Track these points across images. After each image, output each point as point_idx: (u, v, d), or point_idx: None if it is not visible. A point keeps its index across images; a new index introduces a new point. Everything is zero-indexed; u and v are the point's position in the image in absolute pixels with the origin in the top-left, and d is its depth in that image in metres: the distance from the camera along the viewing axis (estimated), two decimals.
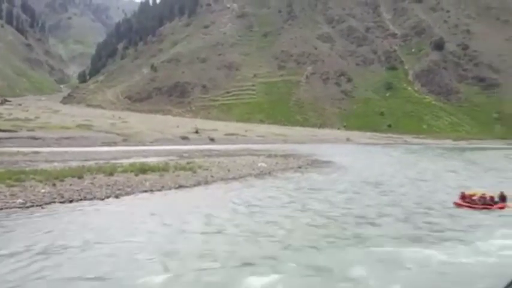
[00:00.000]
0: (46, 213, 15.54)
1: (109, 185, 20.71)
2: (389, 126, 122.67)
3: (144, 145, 56.19)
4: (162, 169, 26.22)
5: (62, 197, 17.86)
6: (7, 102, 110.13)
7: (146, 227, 14.16)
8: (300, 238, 13.07)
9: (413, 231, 14.13)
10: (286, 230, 14.05)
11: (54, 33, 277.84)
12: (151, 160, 33.98)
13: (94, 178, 22.05)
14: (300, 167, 35.14)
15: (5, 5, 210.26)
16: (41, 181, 19.95)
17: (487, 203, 18.02)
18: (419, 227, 14.77)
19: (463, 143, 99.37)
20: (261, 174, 29.24)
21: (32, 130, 54.78)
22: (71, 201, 17.53)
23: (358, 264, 10.57)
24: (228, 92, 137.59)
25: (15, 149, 39.58)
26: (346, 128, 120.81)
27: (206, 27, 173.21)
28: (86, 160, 33.21)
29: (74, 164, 29.10)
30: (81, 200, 17.96)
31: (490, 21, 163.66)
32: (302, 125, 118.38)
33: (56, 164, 29.67)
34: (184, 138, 67.10)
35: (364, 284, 9.54)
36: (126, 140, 58.73)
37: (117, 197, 19.05)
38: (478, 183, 26.34)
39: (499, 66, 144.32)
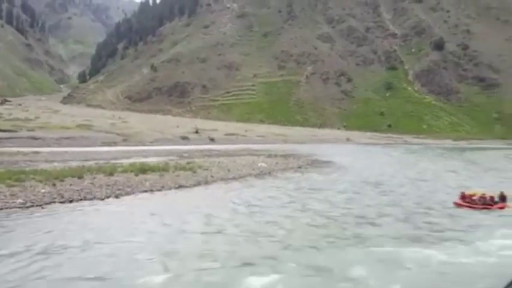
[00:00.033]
0: (46, 213, 15.55)
1: (109, 185, 20.71)
2: (389, 126, 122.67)
3: (144, 145, 56.20)
4: (162, 169, 26.22)
5: (62, 197, 17.86)
6: (7, 102, 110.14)
7: (146, 227, 14.17)
8: (300, 238, 13.07)
9: (413, 231, 14.14)
10: (286, 230, 14.06)
11: (54, 33, 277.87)
12: (151, 160, 33.98)
13: (94, 178, 22.05)
14: (300, 167, 35.15)
15: (5, 5, 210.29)
16: (41, 181, 19.95)
17: (487, 203, 18.03)
18: (419, 227, 14.77)
19: (463, 143, 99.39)
20: (261, 174, 29.24)
21: (32, 130, 54.78)
22: (71, 201, 17.53)
23: (358, 264, 10.57)
24: (228, 92, 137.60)
25: (15, 149, 39.59)
26: (346, 128, 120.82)
27: (206, 27, 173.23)
28: (86, 160, 33.21)
29: (74, 164, 29.10)
30: (81, 200, 17.97)
31: (490, 21, 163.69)
32: (302, 125, 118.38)
33: (56, 164, 29.67)
34: (184, 138, 67.11)
35: (364, 284, 9.54)
36: (126, 140, 58.74)
37: (117, 197, 19.05)
38: (478, 183, 26.34)
39: (499, 66, 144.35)
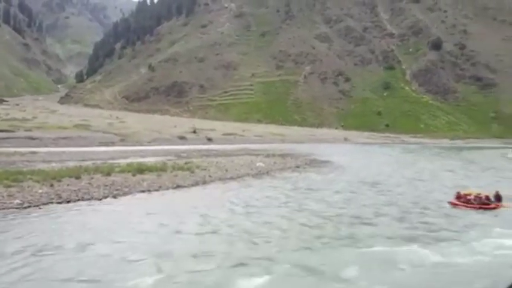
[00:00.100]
0: (43, 214, 15.55)
1: (106, 185, 20.71)
2: (387, 125, 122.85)
3: (141, 145, 56.13)
4: (160, 169, 26.22)
5: (60, 198, 17.85)
6: (4, 102, 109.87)
7: (143, 228, 14.19)
8: (295, 239, 13.12)
9: (408, 231, 14.20)
10: (282, 230, 14.11)
11: (52, 32, 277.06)
12: (149, 160, 33.96)
13: (91, 178, 22.04)
14: (297, 167, 35.20)
15: (2, 5, 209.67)
16: (38, 181, 19.93)
17: (482, 203, 18.10)
18: (415, 227, 14.84)
19: (460, 142, 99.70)
20: (258, 174, 29.28)
21: (30, 130, 54.64)
22: (68, 202, 17.53)
23: (352, 264, 10.62)
24: (225, 92, 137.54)
25: (12, 149, 39.49)
26: (344, 127, 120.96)
27: (204, 26, 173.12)
28: (83, 160, 33.16)
29: (71, 164, 29.06)
30: (78, 200, 17.97)
31: (487, 21, 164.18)
32: (300, 125, 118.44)
33: (53, 164, 29.63)
34: (182, 138, 67.06)
35: (357, 284, 9.58)
36: (123, 140, 58.65)
37: (114, 197, 19.06)
38: (475, 182, 26.47)
39: (495, 66, 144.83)
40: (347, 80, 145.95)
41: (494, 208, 17.93)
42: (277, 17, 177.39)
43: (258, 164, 33.50)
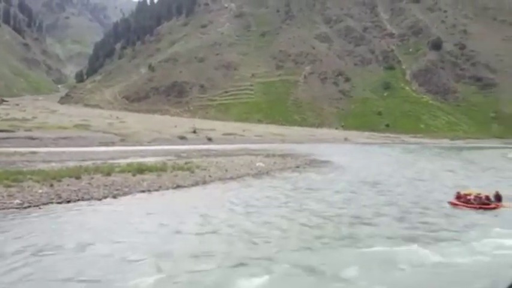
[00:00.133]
0: (43, 214, 15.55)
1: (106, 185, 20.72)
2: (387, 125, 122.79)
3: (141, 145, 56.12)
4: (160, 169, 26.22)
5: (60, 198, 17.86)
6: (4, 102, 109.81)
7: (143, 228, 14.19)
8: (296, 239, 13.13)
9: (409, 231, 14.20)
10: (282, 230, 14.11)
11: (52, 32, 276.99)
12: (149, 160, 33.96)
13: (91, 178, 22.05)
14: (298, 167, 35.20)
15: (2, 5, 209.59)
16: (38, 181, 19.94)
17: (482, 203, 18.08)
18: (415, 227, 14.84)
19: (460, 143, 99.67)
20: (259, 174, 29.29)
21: (30, 130, 54.64)
22: (68, 202, 17.53)
23: (352, 264, 10.62)
24: (226, 92, 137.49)
25: (12, 149, 39.49)
26: (344, 127, 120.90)
27: (204, 26, 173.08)
28: (83, 160, 33.16)
29: (71, 164, 29.05)
30: (78, 200, 17.97)
31: (487, 21, 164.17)
32: (300, 125, 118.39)
33: (53, 164, 29.63)
34: (182, 138, 67.05)
35: (358, 284, 9.57)
36: (123, 140, 58.64)
37: (114, 197, 19.06)
38: (475, 182, 26.47)
39: (496, 66, 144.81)
40: (347, 80, 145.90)
41: (494, 208, 17.93)
42: (277, 17, 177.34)
43: (258, 164, 33.50)
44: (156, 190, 21.17)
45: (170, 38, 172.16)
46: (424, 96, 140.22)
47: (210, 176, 26.02)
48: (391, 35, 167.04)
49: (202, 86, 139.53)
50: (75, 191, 19.14)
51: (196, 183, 23.69)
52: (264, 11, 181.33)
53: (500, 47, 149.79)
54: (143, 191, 20.65)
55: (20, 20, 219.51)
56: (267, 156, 42.30)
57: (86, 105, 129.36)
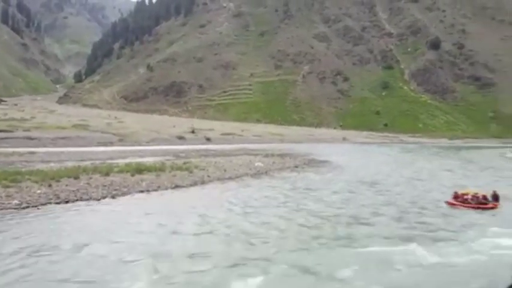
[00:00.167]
0: (41, 214, 15.54)
1: (105, 186, 20.70)
2: (386, 125, 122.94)
3: (140, 145, 56.07)
4: (159, 169, 26.21)
5: (58, 198, 17.84)
6: (2, 102, 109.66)
7: (141, 228, 14.19)
8: (293, 239, 13.14)
9: (406, 231, 14.23)
10: (280, 230, 14.12)
11: (50, 32, 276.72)
12: (148, 160, 33.94)
13: (90, 178, 22.03)
14: (296, 167, 35.21)
15: (0, 5, 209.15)
16: (36, 182, 19.91)
17: (479, 202, 18.10)
18: (413, 227, 14.86)
19: (458, 142, 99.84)
20: (257, 174, 29.28)
21: (28, 130, 54.53)
22: (66, 202, 17.51)
23: (350, 264, 10.64)
24: (224, 92, 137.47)
25: (10, 150, 39.40)
26: (343, 127, 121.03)
27: (202, 26, 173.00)
28: (82, 160, 33.13)
29: (70, 164, 29.02)
30: (77, 200, 17.95)
31: (485, 20, 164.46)
32: (299, 125, 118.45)
33: (52, 164, 29.60)
34: (181, 138, 67.02)
35: (355, 285, 9.59)
36: (122, 140, 58.59)
37: (113, 197, 19.05)
38: (474, 182, 26.54)
39: (494, 65, 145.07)
40: (345, 79, 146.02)
41: (491, 208, 17.95)
42: (275, 16, 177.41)
43: (256, 164, 33.51)
44: (155, 190, 21.16)
45: (169, 38, 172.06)
46: (422, 95, 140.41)
47: (208, 176, 26.02)
48: (390, 35, 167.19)
49: (200, 86, 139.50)
50: (73, 191, 19.12)
51: (194, 183, 23.68)
52: (263, 10, 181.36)
53: (498, 46, 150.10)
54: (142, 191, 20.64)
55: (19, 20, 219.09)
56: (266, 156, 42.31)
57: (85, 105, 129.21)
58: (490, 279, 9.89)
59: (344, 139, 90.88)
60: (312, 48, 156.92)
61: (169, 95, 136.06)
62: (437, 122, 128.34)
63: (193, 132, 73.20)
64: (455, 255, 11.56)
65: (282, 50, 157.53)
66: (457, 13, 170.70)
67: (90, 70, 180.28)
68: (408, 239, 13.11)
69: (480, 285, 9.71)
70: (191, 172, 26.49)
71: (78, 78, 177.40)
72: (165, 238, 13.03)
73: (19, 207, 16.14)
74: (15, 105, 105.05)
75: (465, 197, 18.52)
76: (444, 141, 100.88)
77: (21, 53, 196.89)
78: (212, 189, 22.84)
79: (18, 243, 12.05)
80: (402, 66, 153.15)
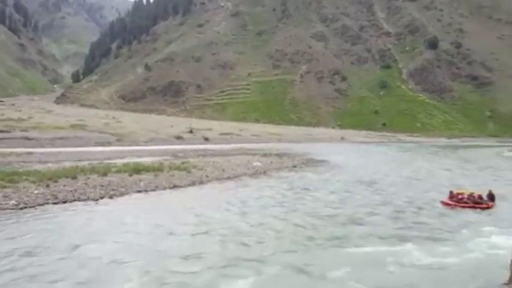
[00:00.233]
0: (39, 215, 15.53)
1: (103, 186, 20.70)
2: (384, 124, 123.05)
3: (138, 145, 56.02)
4: (157, 169, 26.21)
5: (56, 198, 17.83)
6: (0, 103, 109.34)
7: (138, 229, 14.20)
8: (290, 239, 13.15)
9: (403, 231, 14.24)
10: (276, 230, 14.12)
11: (48, 32, 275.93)
12: (146, 160, 33.94)
13: (88, 179, 22.03)
14: (294, 166, 35.24)
15: None
16: (34, 182, 19.90)
17: (475, 202, 18.10)
18: (409, 227, 14.89)
19: (456, 141, 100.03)
20: (255, 174, 29.30)
21: (25, 130, 54.40)
22: (64, 202, 17.51)
23: (345, 265, 10.65)
24: (222, 91, 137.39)
25: (8, 150, 39.30)
26: (341, 126, 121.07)
27: (200, 26, 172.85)
28: (79, 160, 33.12)
29: (67, 164, 29.00)
30: (74, 200, 17.95)
31: (482, 19, 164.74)
32: (297, 124, 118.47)
33: (49, 164, 29.57)
34: (179, 138, 66.97)
35: (350, 285, 9.59)
36: (120, 140, 58.52)
37: (111, 197, 19.05)
38: (472, 181, 26.64)
39: (491, 64, 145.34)
40: (343, 79, 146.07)
41: (487, 207, 17.95)
42: (273, 15, 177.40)
43: (254, 164, 33.53)
44: (153, 190, 21.16)
45: (166, 38, 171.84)
46: (420, 95, 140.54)
47: (206, 176, 26.04)
48: (388, 34, 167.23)
49: (198, 86, 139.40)
50: (71, 191, 19.11)
51: (193, 183, 23.69)
52: (260, 9, 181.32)
53: (495, 45, 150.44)
54: (140, 191, 20.64)
55: (16, 19, 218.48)
56: (264, 155, 42.34)
57: (82, 105, 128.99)
58: (486, 279, 9.91)
59: (342, 138, 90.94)
60: (310, 47, 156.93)
61: (167, 94, 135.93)
62: (435, 121, 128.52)
63: (191, 132, 73.15)
64: (451, 255, 11.58)
65: (279, 49, 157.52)
66: (455, 12, 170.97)
67: (88, 70, 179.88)
68: (404, 239, 13.14)
69: (476, 286, 9.72)
70: (189, 172, 26.50)
71: (76, 78, 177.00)
72: (161, 239, 13.04)
73: (16, 208, 16.13)
74: (13, 105, 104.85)
75: (460, 196, 18.51)
76: (442, 141, 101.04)
77: (18, 53, 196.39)
78: (210, 189, 22.84)
79: (13, 243, 12.05)
80: (400, 66, 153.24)
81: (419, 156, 53.64)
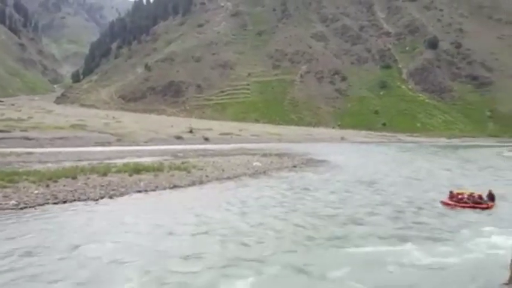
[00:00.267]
0: (39, 215, 15.52)
1: (103, 186, 20.69)
2: (384, 124, 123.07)
3: (138, 145, 56.02)
4: (157, 169, 26.21)
5: (56, 198, 17.82)
6: (0, 102, 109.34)
7: (138, 229, 14.18)
8: (289, 240, 13.13)
9: (403, 231, 14.22)
10: (276, 231, 14.10)
11: (48, 32, 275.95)
12: (146, 160, 33.93)
13: (88, 179, 22.02)
14: (294, 166, 35.23)
15: None
16: (34, 182, 19.89)
17: (475, 202, 18.07)
18: (409, 227, 14.87)
19: (456, 141, 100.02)
20: (255, 174, 29.29)
21: (25, 130, 54.40)
22: (64, 202, 17.50)
23: (344, 265, 10.63)
24: (222, 91, 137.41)
25: (8, 150, 39.30)
26: (341, 126, 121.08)
27: (200, 26, 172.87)
28: (79, 160, 33.12)
29: (67, 164, 28.98)
30: (74, 200, 17.94)
31: (482, 19, 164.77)
32: (297, 124, 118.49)
33: (49, 164, 29.56)
34: (179, 138, 66.97)
35: (349, 285, 9.58)
36: (120, 140, 58.52)
37: (111, 197, 19.04)
38: (472, 181, 26.63)
39: (491, 64, 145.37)
40: (343, 79, 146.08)
41: (487, 207, 17.92)
42: (273, 15, 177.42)
43: (254, 164, 33.51)
44: (153, 190, 21.15)
45: (166, 38, 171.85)
46: (420, 95, 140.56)
47: (206, 176, 26.03)
48: (388, 34, 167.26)
49: (198, 86, 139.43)
50: (71, 191, 19.10)
51: (193, 183, 23.67)
52: (260, 9, 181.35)
53: (495, 45, 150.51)
54: (140, 191, 20.63)
55: (16, 20, 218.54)
56: (264, 155, 42.33)
57: (82, 105, 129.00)
58: (486, 279, 9.90)
59: (342, 138, 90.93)
60: (310, 47, 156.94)
61: (167, 94, 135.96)
62: (435, 121, 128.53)
63: (191, 132, 73.15)
64: (451, 256, 11.56)
65: (279, 49, 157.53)
66: (455, 12, 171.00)
67: (88, 70, 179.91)
68: (404, 239, 13.12)
69: (476, 286, 9.71)
70: (189, 172, 26.49)
71: (76, 78, 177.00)
72: (161, 239, 13.03)
73: (16, 208, 16.12)
74: (13, 105, 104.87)
75: (460, 196, 18.48)
76: (442, 141, 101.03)
77: (18, 53, 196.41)
78: (210, 189, 22.83)
79: (13, 243, 12.05)
80: (400, 66, 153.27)
81: (419, 156, 53.62)
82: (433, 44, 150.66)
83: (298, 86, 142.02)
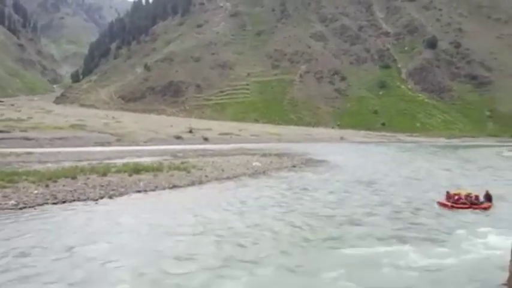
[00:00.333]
0: (38, 215, 15.55)
1: (102, 186, 20.72)
2: (383, 124, 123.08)
3: (137, 145, 56.07)
4: (156, 169, 26.24)
5: (55, 198, 17.85)
6: None
7: (137, 229, 14.20)
8: (286, 240, 13.12)
9: (401, 232, 14.20)
10: (274, 231, 14.08)
11: (47, 33, 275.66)
12: (145, 160, 33.96)
13: (87, 179, 22.05)
14: (294, 166, 35.26)
15: None
16: (33, 182, 19.92)
17: (472, 203, 18.04)
18: (407, 228, 14.85)
19: (455, 141, 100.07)
20: (255, 174, 29.32)
21: (25, 130, 54.43)
22: (63, 202, 17.53)
23: (340, 266, 10.63)
24: (221, 91, 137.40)
25: (7, 150, 39.35)
26: (340, 126, 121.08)
27: (199, 26, 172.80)
28: (79, 160, 33.14)
29: (67, 164, 29.02)
30: (74, 200, 17.97)
31: (481, 19, 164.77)
32: (296, 124, 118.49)
33: (49, 164, 29.60)
34: (178, 137, 67.01)
35: (345, 285, 9.58)
36: (119, 140, 58.55)
37: (110, 197, 19.06)
38: (472, 181, 26.62)
39: (490, 64, 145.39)
40: (343, 79, 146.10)
41: (484, 208, 17.88)
42: (272, 16, 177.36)
43: (254, 164, 33.54)
44: (153, 190, 21.18)
45: (166, 38, 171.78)
46: (419, 94, 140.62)
47: (206, 176, 26.06)
48: (387, 34, 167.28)
49: (198, 86, 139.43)
50: (70, 191, 19.13)
51: (192, 183, 23.70)
52: (260, 10, 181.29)
53: (494, 45, 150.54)
54: (139, 191, 20.66)
55: (15, 20, 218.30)
56: (263, 155, 42.35)
57: (82, 105, 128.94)
58: (483, 280, 9.91)
59: (342, 138, 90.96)
60: (309, 47, 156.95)
61: (167, 94, 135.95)
62: (434, 121, 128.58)
63: (190, 132, 73.18)
64: (448, 256, 11.55)
65: (279, 49, 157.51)
66: (454, 12, 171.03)
67: (87, 70, 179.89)
68: (401, 240, 13.13)
69: (473, 287, 9.70)
70: (189, 172, 26.52)
71: (75, 78, 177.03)
72: (158, 239, 13.04)
73: (16, 208, 16.15)
74: (12, 105, 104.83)
75: (457, 197, 18.40)
76: (441, 140, 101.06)
77: (17, 54, 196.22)
78: (210, 189, 22.85)
79: (12, 243, 12.07)
80: (399, 65, 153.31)
81: (418, 156, 53.65)
82: (432, 44, 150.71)
83: (297, 86, 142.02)
